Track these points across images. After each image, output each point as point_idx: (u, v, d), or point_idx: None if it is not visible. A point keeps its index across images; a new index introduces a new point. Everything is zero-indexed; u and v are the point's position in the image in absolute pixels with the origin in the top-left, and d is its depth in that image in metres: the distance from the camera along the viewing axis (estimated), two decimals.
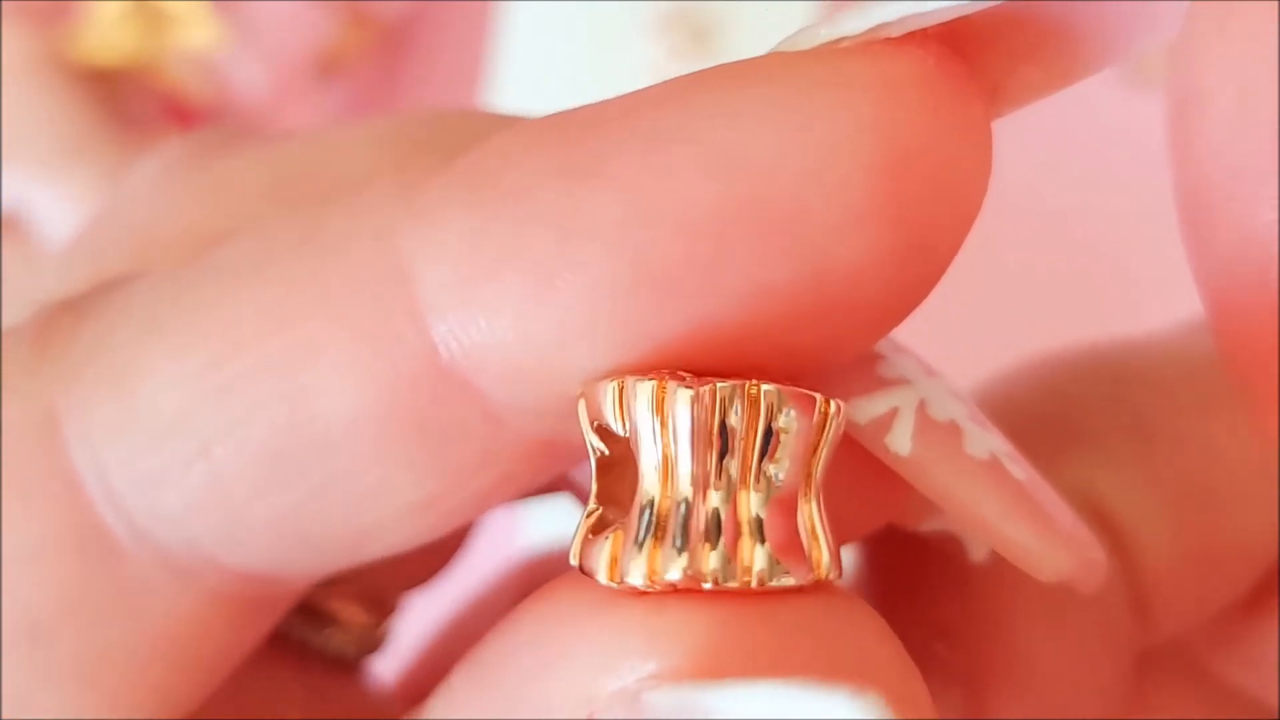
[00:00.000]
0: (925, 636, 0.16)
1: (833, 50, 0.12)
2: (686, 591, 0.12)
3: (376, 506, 0.13)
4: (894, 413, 0.14)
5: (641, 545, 0.12)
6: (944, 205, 0.12)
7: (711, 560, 0.12)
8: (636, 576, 0.12)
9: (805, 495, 0.12)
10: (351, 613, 0.19)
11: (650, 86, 0.13)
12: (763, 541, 0.12)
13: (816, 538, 0.12)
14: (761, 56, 0.12)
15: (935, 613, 0.16)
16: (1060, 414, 0.17)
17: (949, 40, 0.12)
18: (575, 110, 0.13)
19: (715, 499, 0.12)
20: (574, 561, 0.12)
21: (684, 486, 0.12)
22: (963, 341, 0.45)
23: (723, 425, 0.12)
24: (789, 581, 0.12)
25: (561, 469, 0.14)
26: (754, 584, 0.12)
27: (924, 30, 0.11)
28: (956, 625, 0.16)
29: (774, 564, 0.12)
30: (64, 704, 0.14)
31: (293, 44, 0.44)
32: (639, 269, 0.12)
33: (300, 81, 0.45)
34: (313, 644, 0.18)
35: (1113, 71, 0.49)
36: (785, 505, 0.12)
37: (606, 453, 0.13)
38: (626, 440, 0.12)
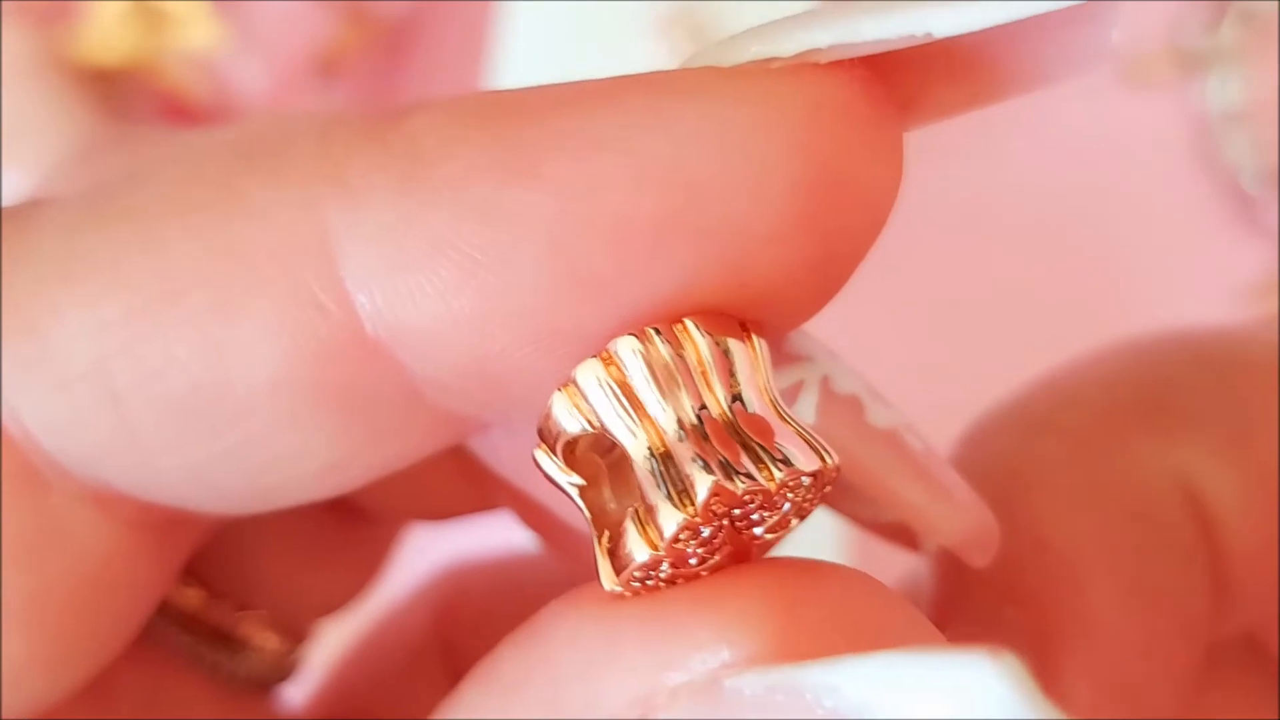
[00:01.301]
0: (996, 600, 0.16)
1: (766, 70, 0.13)
2: (718, 572, 0.12)
3: (288, 466, 0.14)
4: (799, 385, 0.15)
5: (640, 517, 0.12)
6: (860, 219, 0.13)
7: (707, 489, 0.12)
8: (640, 551, 0.12)
9: (776, 415, 0.13)
10: (265, 638, 0.19)
11: (586, 83, 0.13)
12: (759, 445, 0.12)
13: (808, 437, 0.13)
14: (696, 70, 0.13)
15: (1008, 576, 0.16)
16: (1158, 396, 0.18)
17: (870, 61, 0.13)
18: (507, 97, 0.13)
19: (691, 435, 0.12)
20: (611, 588, 0.13)
21: (667, 429, 0.12)
22: (963, 339, 0.45)
23: (676, 362, 0.12)
24: (813, 465, 0.12)
25: (470, 435, 0.15)
26: (778, 476, 0.12)
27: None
28: (1030, 590, 0.16)
29: (785, 453, 0.12)
30: (12, 648, 0.14)
31: (293, 44, 0.44)
32: (567, 268, 0.12)
33: (300, 81, 0.45)
34: (225, 668, 0.18)
35: (1112, 71, 0.49)
36: (761, 426, 0.12)
37: (582, 481, 0.13)
38: (595, 460, 0.13)
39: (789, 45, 0.12)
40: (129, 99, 0.44)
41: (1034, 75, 0.13)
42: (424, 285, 0.13)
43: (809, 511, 0.13)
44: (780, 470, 0.12)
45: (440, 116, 0.13)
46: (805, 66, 0.12)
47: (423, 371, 0.13)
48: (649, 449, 0.12)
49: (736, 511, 0.12)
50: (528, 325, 0.13)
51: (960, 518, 0.15)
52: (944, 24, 0.12)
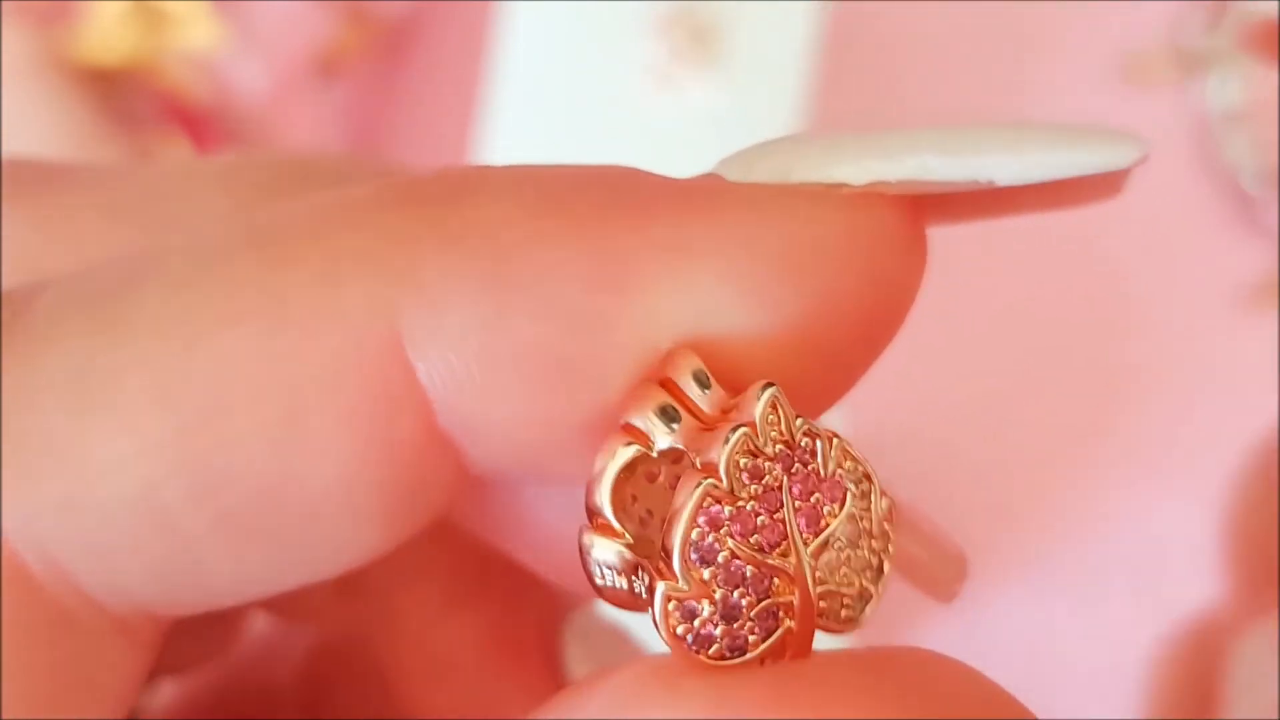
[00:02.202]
0: None
1: (845, 198, 0.14)
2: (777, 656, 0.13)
3: (335, 557, 0.14)
4: None
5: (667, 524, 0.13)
6: (899, 315, 0.14)
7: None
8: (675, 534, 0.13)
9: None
10: None
11: (668, 183, 0.14)
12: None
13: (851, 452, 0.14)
14: (782, 190, 0.14)
15: None
16: None
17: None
18: (580, 182, 0.13)
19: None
20: (668, 639, 0.13)
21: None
22: (963, 337, 0.45)
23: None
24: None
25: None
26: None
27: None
28: None
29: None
30: None
31: (293, 44, 0.44)
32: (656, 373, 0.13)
33: (300, 81, 0.45)
34: None
35: (1112, 72, 0.49)
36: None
37: (627, 554, 0.13)
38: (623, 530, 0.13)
39: (859, 174, 0.14)
40: (129, 99, 0.44)
41: (1051, 204, 0.15)
42: (507, 389, 0.13)
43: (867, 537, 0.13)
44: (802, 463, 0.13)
45: (514, 207, 0.13)
46: (876, 198, 0.14)
47: (484, 460, 0.13)
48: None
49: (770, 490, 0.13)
50: (605, 422, 0.13)
51: (958, 565, 0.15)
52: (1007, 174, 0.13)
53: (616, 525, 0.13)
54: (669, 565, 0.12)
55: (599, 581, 0.13)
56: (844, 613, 0.13)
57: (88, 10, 0.42)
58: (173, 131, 0.44)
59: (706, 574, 0.13)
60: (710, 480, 0.13)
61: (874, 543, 0.13)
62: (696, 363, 0.13)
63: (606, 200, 0.13)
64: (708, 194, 0.13)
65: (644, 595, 0.13)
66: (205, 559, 0.13)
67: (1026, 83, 0.45)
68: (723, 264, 0.13)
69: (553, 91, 0.43)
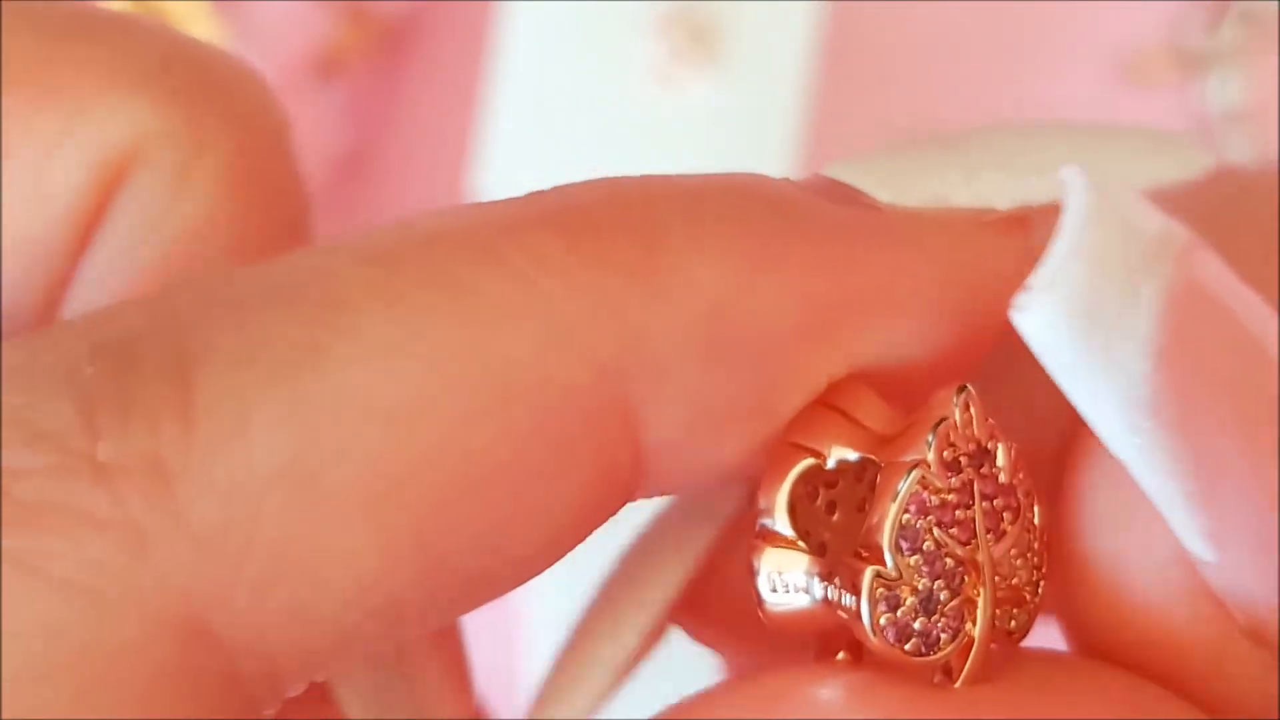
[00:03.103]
0: None
1: (998, 223, 0.14)
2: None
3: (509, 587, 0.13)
4: None
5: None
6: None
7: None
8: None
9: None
10: None
11: (835, 215, 0.14)
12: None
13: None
14: (958, 215, 0.14)
15: None
16: None
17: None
18: (765, 220, 0.13)
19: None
20: (871, 628, 0.13)
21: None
22: None
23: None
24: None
25: None
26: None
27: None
28: None
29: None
30: None
31: (293, 44, 0.44)
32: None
33: (300, 81, 0.45)
34: None
35: (1112, 72, 0.49)
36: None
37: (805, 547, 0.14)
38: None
39: (1007, 199, 0.14)
40: None
41: None
42: (706, 441, 0.13)
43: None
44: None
45: (716, 255, 0.13)
46: (1019, 221, 0.14)
47: (651, 493, 0.14)
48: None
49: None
50: (773, 444, 0.14)
51: None
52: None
53: (792, 534, 0.13)
54: (874, 553, 0.13)
55: (772, 598, 0.13)
56: (1012, 623, 0.14)
57: None
58: None
59: (913, 560, 0.13)
60: (921, 469, 0.13)
61: (1035, 558, 0.14)
62: (865, 389, 0.13)
63: (793, 239, 0.13)
64: (883, 228, 0.14)
65: (833, 598, 0.13)
66: (405, 626, 0.13)
67: (1026, 82, 0.45)
68: (918, 307, 0.13)
69: (553, 91, 0.43)
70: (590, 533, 0.13)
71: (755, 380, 0.13)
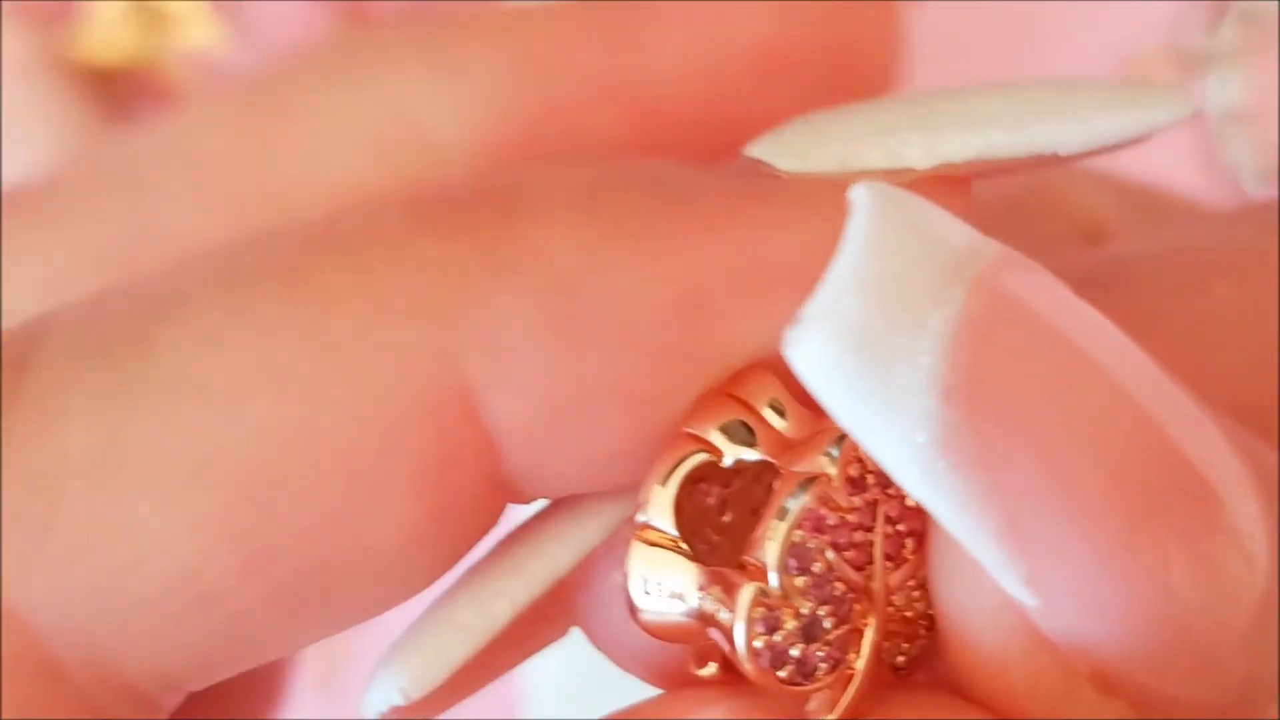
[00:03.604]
0: None
1: (911, 181, 0.12)
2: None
3: (385, 603, 0.13)
4: None
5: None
6: None
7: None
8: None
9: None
10: None
11: (728, 181, 0.13)
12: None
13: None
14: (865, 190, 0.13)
15: None
16: None
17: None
18: (630, 186, 0.12)
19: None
20: (745, 650, 0.12)
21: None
22: None
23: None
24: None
25: None
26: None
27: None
28: None
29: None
30: None
31: (293, 44, 0.44)
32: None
33: None
34: None
35: (1112, 72, 0.49)
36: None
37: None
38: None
39: (925, 158, 0.13)
40: (129, 99, 0.44)
41: (1091, 155, 0.14)
42: (577, 429, 0.12)
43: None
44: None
45: (572, 226, 0.12)
46: (941, 181, 0.13)
47: (539, 491, 0.13)
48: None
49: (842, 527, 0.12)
50: (665, 438, 0.12)
51: None
52: (1072, 145, 0.13)
53: (674, 533, 0.12)
54: (758, 568, 0.12)
55: (644, 601, 0.12)
56: (900, 658, 0.12)
57: (88, 10, 0.42)
58: None
59: (800, 582, 0.12)
60: (822, 484, 0.12)
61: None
62: (773, 383, 0.12)
63: (667, 208, 0.12)
64: (771, 199, 0.12)
65: (709, 610, 0.12)
66: (249, 629, 0.12)
67: None
68: (792, 282, 0.12)
69: None
70: (466, 540, 0.12)
71: (618, 362, 0.12)
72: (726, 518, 0.12)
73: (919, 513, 0.12)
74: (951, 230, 0.11)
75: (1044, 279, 0.11)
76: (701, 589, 0.12)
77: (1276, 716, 0.12)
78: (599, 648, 0.14)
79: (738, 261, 0.12)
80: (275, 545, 0.11)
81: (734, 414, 0.12)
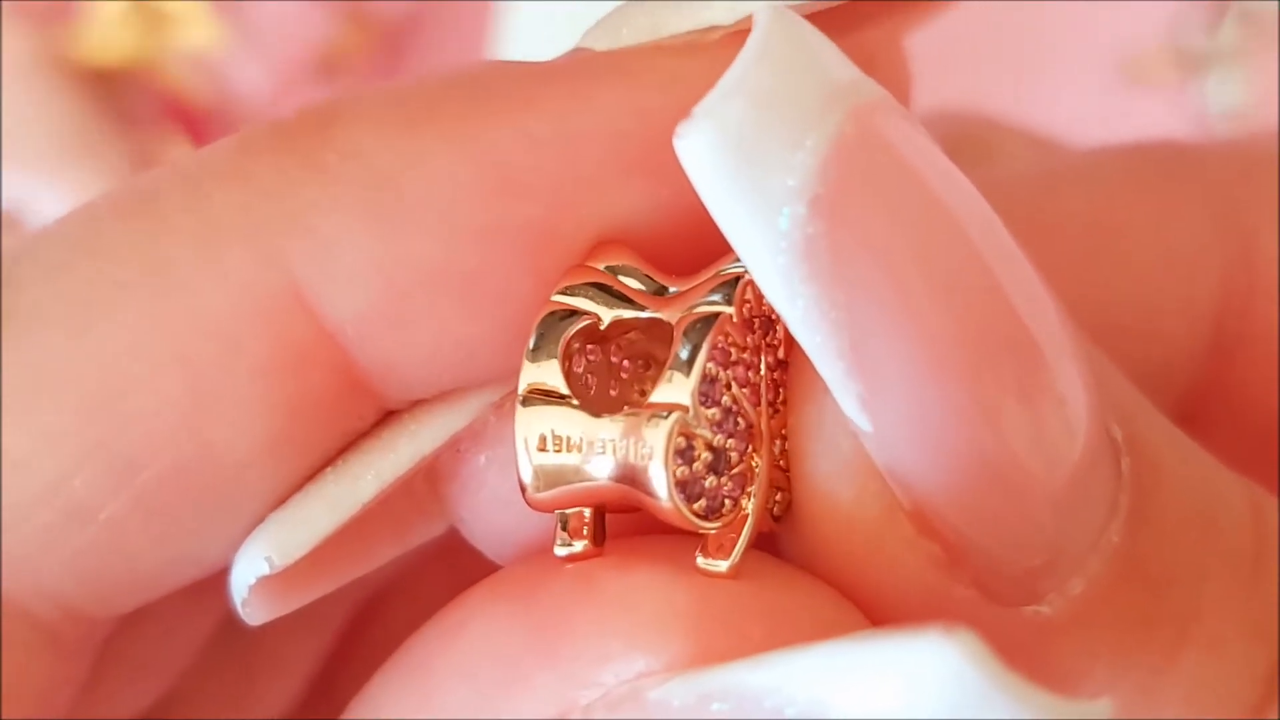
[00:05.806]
0: None
1: (713, 44, 0.13)
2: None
3: (261, 515, 0.13)
4: None
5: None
6: None
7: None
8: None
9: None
10: None
11: (536, 66, 0.13)
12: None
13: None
14: (664, 46, 0.13)
15: None
16: None
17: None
18: (454, 93, 0.13)
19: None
20: (669, 482, 0.12)
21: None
22: None
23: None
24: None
25: None
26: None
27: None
28: None
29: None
30: None
31: (293, 44, 0.44)
32: (557, 267, 0.13)
33: (300, 81, 0.45)
34: None
35: (1112, 72, 0.49)
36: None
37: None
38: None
39: (729, 14, 0.13)
40: (129, 99, 0.44)
41: None
42: (419, 316, 0.12)
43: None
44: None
45: (385, 126, 0.12)
46: (723, 40, 0.13)
47: (405, 388, 0.13)
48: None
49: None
50: (519, 326, 0.13)
51: None
52: None
53: (567, 391, 0.12)
54: (678, 400, 0.12)
55: (539, 458, 0.12)
56: (774, 506, 0.13)
57: (88, 10, 0.43)
58: (173, 131, 0.44)
59: (711, 413, 0.12)
60: (724, 321, 0.12)
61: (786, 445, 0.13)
62: (626, 251, 0.13)
63: (474, 97, 0.13)
64: (577, 73, 0.13)
65: (620, 453, 0.12)
66: (129, 545, 0.13)
67: (1026, 83, 0.45)
68: (607, 149, 0.12)
69: None
70: (330, 441, 0.13)
71: (441, 245, 0.12)
72: (590, 381, 0.13)
73: (788, 367, 0.13)
74: (839, 63, 0.12)
75: (916, 129, 0.12)
76: (606, 432, 0.12)
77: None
78: (472, 539, 0.14)
79: (548, 134, 0.12)
80: (133, 455, 0.12)
81: (601, 275, 0.13)
